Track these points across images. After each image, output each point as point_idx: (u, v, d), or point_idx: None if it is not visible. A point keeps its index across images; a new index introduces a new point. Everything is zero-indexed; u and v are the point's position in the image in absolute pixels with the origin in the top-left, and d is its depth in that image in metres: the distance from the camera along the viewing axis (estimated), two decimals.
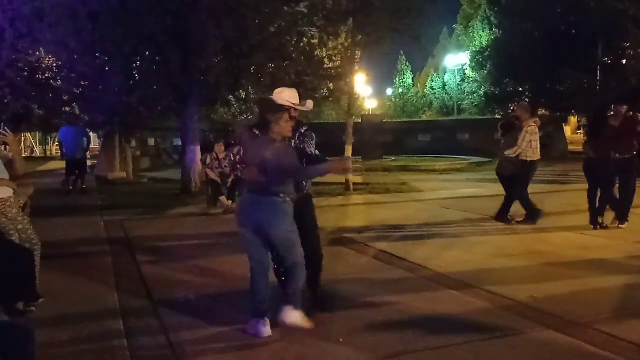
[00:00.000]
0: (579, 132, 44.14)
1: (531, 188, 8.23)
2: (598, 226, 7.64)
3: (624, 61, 24.92)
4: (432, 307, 4.47)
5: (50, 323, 4.05)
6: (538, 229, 7.69)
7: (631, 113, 8.06)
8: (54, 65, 15.33)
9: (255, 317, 3.84)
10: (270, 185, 3.72)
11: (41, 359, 3.03)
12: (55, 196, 11.89)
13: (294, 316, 3.78)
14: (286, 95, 4.01)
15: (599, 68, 24.32)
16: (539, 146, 7.98)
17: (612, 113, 8.04)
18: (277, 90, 4.08)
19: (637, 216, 8.01)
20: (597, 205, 7.73)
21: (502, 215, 8.24)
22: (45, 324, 3.94)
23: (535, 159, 7.97)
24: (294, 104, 4.01)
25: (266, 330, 3.80)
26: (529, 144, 7.87)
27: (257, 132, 3.90)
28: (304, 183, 4.17)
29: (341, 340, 3.74)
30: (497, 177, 8.49)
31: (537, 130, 7.98)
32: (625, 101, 8.18)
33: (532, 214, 8.03)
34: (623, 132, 7.59)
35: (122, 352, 3.60)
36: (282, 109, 3.84)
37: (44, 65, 15.52)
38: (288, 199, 3.76)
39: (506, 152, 8.06)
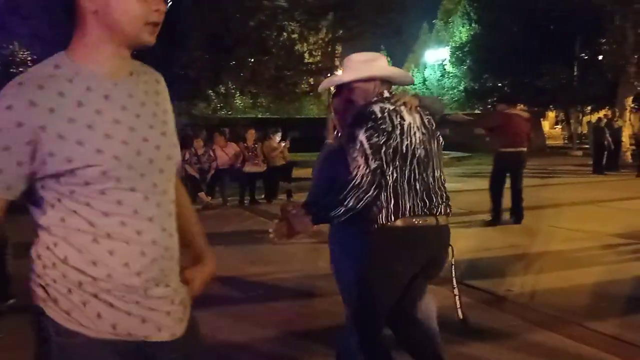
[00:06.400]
0: (557, 126, 44.75)
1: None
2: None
3: (600, 57, 25.28)
4: None
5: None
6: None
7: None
8: (29, 59, 15.03)
9: None
10: None
11: None
12: None
13: None
14: None
15: (576, 63, 24.63)
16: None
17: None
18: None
19: (617, 210, 8.09)
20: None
21: None
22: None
23: None
24: None
25: None
26: None
27: None
28: None
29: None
30: None
31: None
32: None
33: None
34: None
35: None
36: None
37: (18, 59, 15.21)
38: None
39: None
